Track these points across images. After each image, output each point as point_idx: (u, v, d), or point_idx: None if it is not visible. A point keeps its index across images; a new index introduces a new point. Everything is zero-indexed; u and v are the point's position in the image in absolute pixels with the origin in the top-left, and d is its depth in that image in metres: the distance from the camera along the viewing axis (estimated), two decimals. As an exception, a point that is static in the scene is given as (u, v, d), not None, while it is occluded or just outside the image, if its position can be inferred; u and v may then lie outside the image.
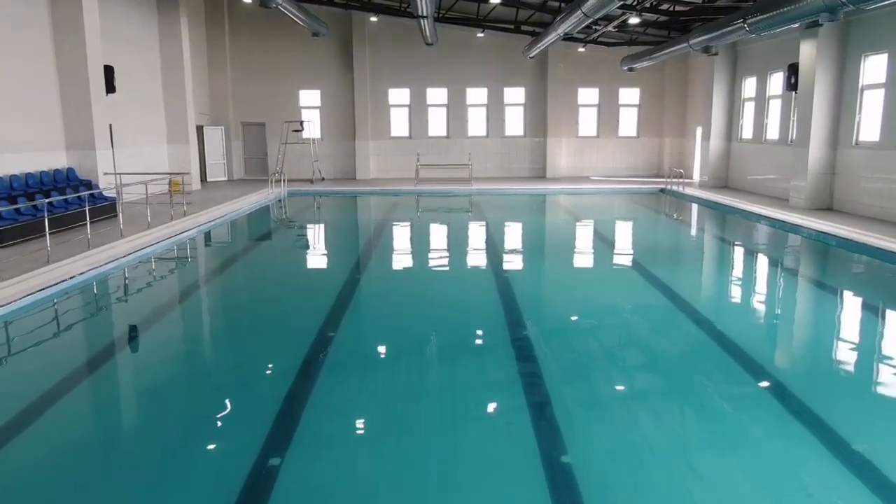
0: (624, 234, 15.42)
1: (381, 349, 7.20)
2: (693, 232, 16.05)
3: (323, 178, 23.94)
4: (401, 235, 15.49)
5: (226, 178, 23.83)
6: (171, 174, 14.80)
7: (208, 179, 23.01)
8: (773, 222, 14.85)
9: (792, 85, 15.94)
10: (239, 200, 17.62)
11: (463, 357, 6.81)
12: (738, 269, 11.78)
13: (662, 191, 21.22)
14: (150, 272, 10.91)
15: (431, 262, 12.29)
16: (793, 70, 15.82)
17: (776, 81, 18.08)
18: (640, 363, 6.82)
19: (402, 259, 12.76)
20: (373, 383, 6.02)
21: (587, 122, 25.18)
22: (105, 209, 13.80)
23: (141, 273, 10.66)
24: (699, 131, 22.62)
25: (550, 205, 20.36)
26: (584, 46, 22.70)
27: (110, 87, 15.39)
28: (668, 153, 24.90)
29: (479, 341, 7.46)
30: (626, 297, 9.43)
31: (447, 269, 11.64)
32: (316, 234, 15.94)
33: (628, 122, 25.26)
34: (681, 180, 20.74)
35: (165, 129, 19.98)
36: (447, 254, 13.17)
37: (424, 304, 8.97)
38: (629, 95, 25.02)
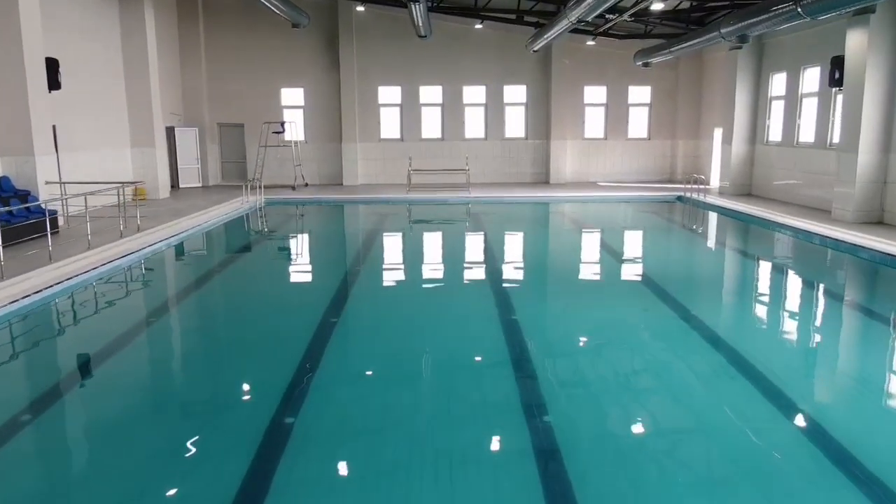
0: (644, 254, 13.43)
1: (370, 385, 6.18)
2: (724, 251, 14.07)
3: (306, 185, 21.91)
4: (391, 251, 13.51)
5: (200, 185, 21.74)
6: (122, 183, 12.73)
7: (181, 186, 20.94)
8: (816, 238, 12.86)
9: (836, 81, 14.01)
10: (207, 212, 15.54)
11: (460, 396, 5.89)
12: (789, 300, 9.78)
13: (680, 199, 19.24)
14: (69, 314, 8.67)
15: (425, 284, 10.30)
16: (837, 64, 13.89)
17: (811, 77, 16.15)
18: (674, 419, 5.14)
19: (392, 280, 10.83)
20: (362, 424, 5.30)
21: (594, 122, 23.18)
22: (42, 225, 11.70)
23: (56, 317, 8.50)
24: (718, 133, 20.70)
25: (557, 215, 18.37)
26: (593, 39, 20.70)
27: (54, 83, 13.32)
28: (682, 156, 22.95)
29: (477, 377, 6.38)
30: (656, 336, 7.56)
31: (443, 292, 9.73)
32: (295, 252, 13.92)
33: (638, 123, 23.26)
34: (699, 187, 18.78)
35: (129, 130, 17.91)
36: (442, 275, 11.19)
37: (418, 333, 7.74)
38: (639, 94, 23.03)
